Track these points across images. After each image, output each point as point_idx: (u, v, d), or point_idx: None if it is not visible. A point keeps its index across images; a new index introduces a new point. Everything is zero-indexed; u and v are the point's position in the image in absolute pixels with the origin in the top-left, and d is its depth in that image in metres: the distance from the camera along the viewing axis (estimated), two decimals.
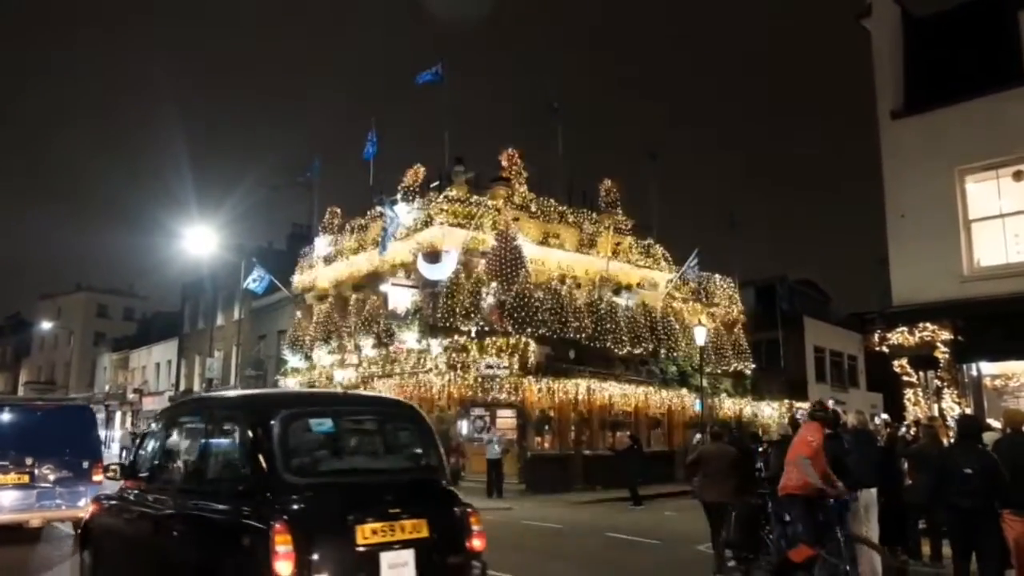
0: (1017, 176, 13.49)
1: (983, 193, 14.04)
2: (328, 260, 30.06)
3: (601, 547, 12.60)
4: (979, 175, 13.98)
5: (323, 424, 5.66)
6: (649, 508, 19.02)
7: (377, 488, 5.49)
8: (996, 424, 12.29)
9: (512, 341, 22.42)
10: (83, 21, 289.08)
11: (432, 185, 26.01)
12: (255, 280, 31.21)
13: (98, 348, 65.74)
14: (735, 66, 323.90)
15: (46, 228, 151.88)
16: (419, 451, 6.12)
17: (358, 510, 5.04)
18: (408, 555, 5.07)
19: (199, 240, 32.31)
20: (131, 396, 53.66)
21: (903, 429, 13.34)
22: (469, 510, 5.65)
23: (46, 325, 66.46)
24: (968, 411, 13.45)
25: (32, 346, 73.85)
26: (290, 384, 30.18)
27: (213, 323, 41.34)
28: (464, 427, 23.12)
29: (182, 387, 46.67)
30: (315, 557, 4.74)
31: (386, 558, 4.98)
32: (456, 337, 22.72)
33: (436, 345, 23.06)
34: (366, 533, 4.97)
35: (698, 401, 26.98)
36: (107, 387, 59.55)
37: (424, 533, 5.22)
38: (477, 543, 5.56)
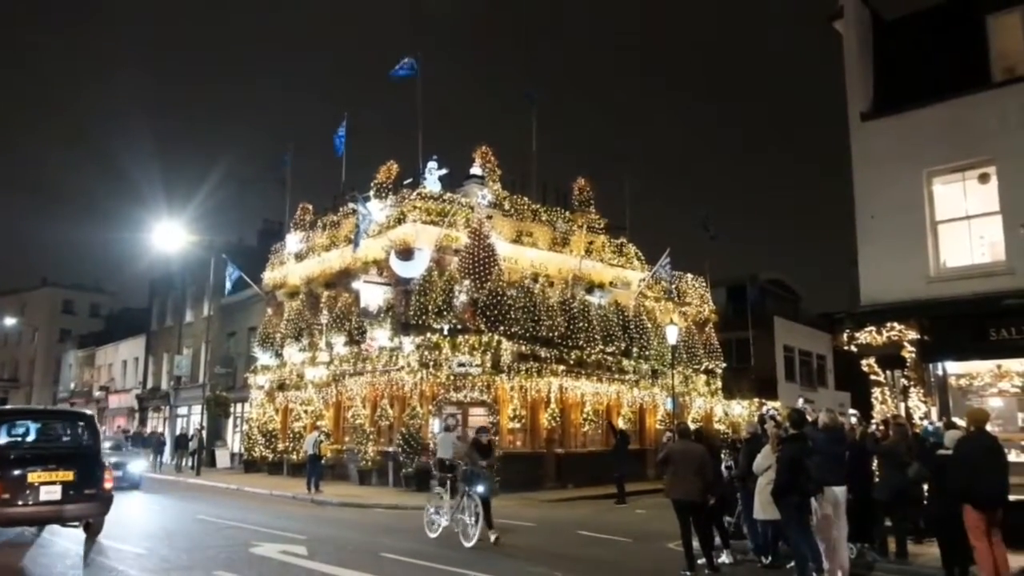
0: (983, 178, 13.68)
1: (950, 195, 14.21)
2: (300, 257, 29.79)
3: (573, 544, 12.60)
4: (946, 177, 14.15)
5: (25, 425, 12.06)
6: (621, 506, 19.07)
7: (48, 456, 11.00)
8: (961, 423, 12.48)
9: (484, 339, 22.37)
10: (51, 12, 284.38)
11: (405, 182, 25.86)
12: (229, 276, 31.09)
13: (63, 345, 64.58)
14: (709, 67, 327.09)
15: (9, 222, 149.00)
16: (82, 438, 11.85)
17: (32, 466, 10.50)
18: (57, 488, 10.51)
19: (168, 235, 31.85)
20: (97, 394, 52.77)
21: (872, 427, 13.49)
22: (105, 467, 11.28)
23: (9, 321, 65.17)
24: (934, 412, 13.65)
25: None
26: (260, 382, 29.95)
27: (182, 320, 40.78)
28: (436, 425, 23.00)
29: (150, 384, 46.00)
30: (5, 487, 10.21)
31: (44, 488, 10.43)
32: (428, 335, 22.62)
33: (408, 343, 22.94)
34: (33, 477, 10.40)
35: (669, 400, 27.14)
36: (72, 385, 58.48)
37: (70, 478, 10.63)
38: (107, 485, 11.09)
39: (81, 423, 12.13)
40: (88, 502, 10.80)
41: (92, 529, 11.44)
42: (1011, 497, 8.66)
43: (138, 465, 23.51)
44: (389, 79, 25.79)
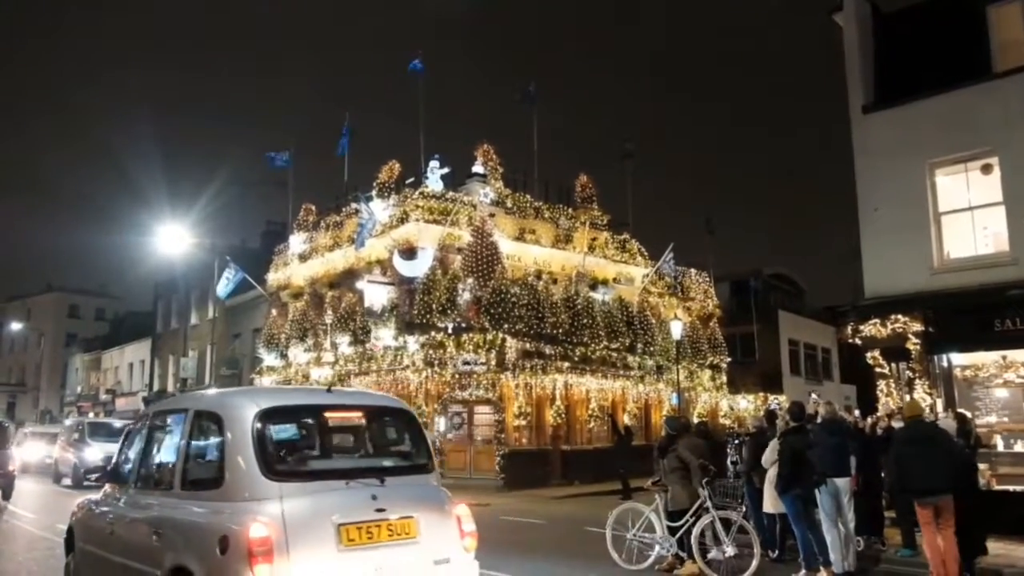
0: (985, 169, 13.67)
1: (953, 186, 14.20)
2: (303, 258, 29.84)
3: (585, 541, 12.61)
4: (949, 168, 14.13)
5: None
6: (625, 502, 19.06)
7: None
8: (967, 414, 12.47)
9: (489, 337, 22.41)
10: (52, 11, 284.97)
11: (408, 181, 25.90)
12: (227, 280, 30.95)
13: (69, 349, 64.76)
14: (708, 61, 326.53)
15: (13, 226, 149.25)
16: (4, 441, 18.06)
17: None
18: None
19: (171, 238, 31.89)
20: (104, 397, 52.94)
21: (870, 420, 13.52)
22: (11, 456, 18.02)
23: (16, 326, 65.40)
24: (939, 403, 13.66)
25: (1, 348, 72.66)
26: (265, 383, 29.98)
27: (187, 322, 40.88)
28: (442, 424, 23.08)
29: (156, 387, 46.12)
30: None
31: None
32: (433, 334, 22.66)
33: (413, 342, 22.99)
34: None
35: (675, 395, 27.15)
36: (79, 388, 58.68)
37: None
38: (11, 467, 17.60)
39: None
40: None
41: (4, 493, 17.27)
42: (1014, 488, 8.62)
43: None
44: (408, 72, 26.19)
